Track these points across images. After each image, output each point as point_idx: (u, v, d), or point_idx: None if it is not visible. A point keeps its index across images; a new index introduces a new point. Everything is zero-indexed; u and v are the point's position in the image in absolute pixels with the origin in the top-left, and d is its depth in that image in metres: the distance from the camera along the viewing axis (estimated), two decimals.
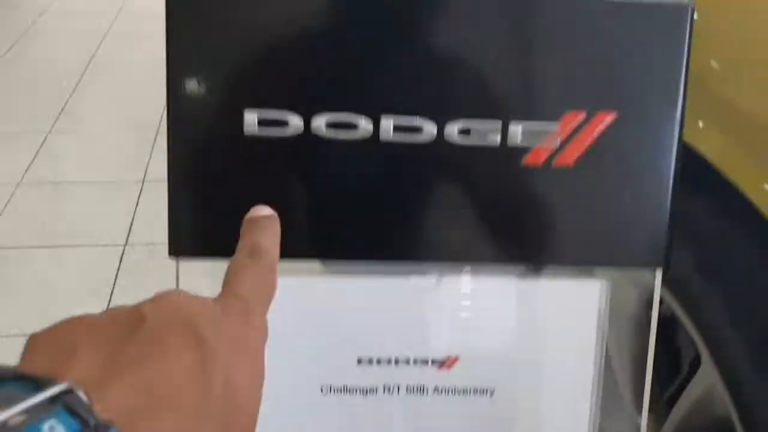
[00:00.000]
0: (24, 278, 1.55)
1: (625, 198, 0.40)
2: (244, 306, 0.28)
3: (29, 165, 1.96)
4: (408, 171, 0.40)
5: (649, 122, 0.39)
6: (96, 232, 1.71)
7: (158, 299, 0.26)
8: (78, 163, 2.02)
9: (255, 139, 0.38)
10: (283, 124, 0.38)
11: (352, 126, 0.38)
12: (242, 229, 0.33)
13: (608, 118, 0.39)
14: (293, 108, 0.38)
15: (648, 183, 0.40)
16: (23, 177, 1.91)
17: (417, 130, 0.38)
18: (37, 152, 2.03)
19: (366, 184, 0.40)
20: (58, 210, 1.81)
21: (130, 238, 1.70)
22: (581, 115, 0.38)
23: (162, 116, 2.11)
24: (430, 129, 0.38)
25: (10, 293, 1.51)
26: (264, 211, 0.34)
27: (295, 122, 0.38)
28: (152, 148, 2.05)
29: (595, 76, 0.39)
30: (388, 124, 0.38)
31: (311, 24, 0.38)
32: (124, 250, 1.66)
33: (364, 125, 0.38)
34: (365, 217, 0.40)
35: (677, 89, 0.39)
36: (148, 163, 1.98)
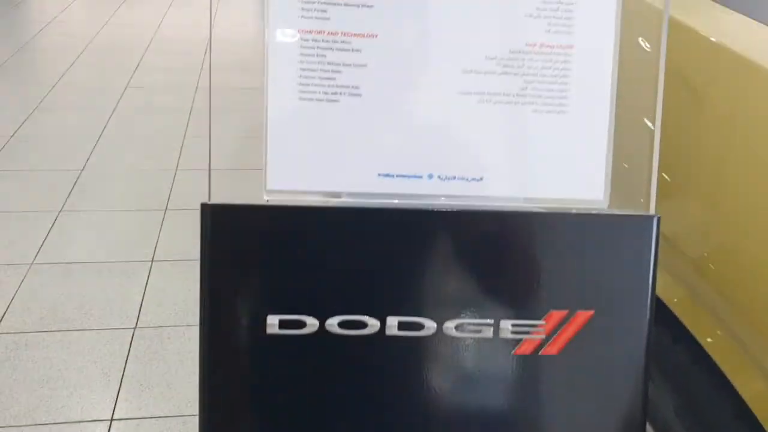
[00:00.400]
0: (34, 364, 1.59)
1: (603, 383, 0.45)
2: None
3: (41, 246, 2.02)
4: (411, 360, 0.45)
5: (624, 317, 0.45)
6: (106, 314, 1.76)
7: None
8: (89, 242, 2.07)
9: (276, 338, 0.44)
10: (302, 325, 0.44)
11: (361, 325, 0.44)
12: None
13: (587, 315, 0.44)
14: (310, 312, 0.43)
15: (624, 368, 0.45)
16: (35, 258, 1.97)
17: (419, 327, 0.44)
18: (49, 231, 2.09)
19: (374, 374, 0.45)
20: (69, 292, 1.86)
21: (139, 321, 1.74)
22: (563, 313, 0.44)
23: (170, 195, 2.22)
24: (430, 325, 0.44)
25: (20, 380, 1.55)
26: None
27: (312, 322, 0.44)
28: (160, 229, 2.11)
29: (575, 279, 0.45)
30: (393, 322, 0.44)
31: (324, 243, 0.44)
32: (133, 334, 1.70)
33: (372, 324, 0.44)
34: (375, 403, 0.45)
35: (646, 288, 0.44)
36: (157, 242, 2.04)
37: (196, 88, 3.20)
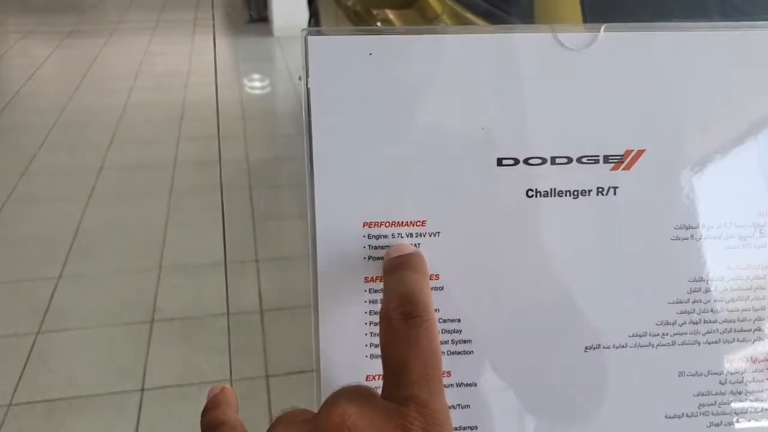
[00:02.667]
0: None
1: None
2: (427, 416, 0.25)
3: (18, 381, 1.85)
4: None
5: None
6: None
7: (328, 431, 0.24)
8: (72, 370, 1.90)
9: None
10: None
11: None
12: (385, 267, 0.31)
13: None
14: None
15: None
16: (12, 397, 1.79)
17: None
18: (27, 361, 1.91)
19: None
20: None
21: None
22: None
23: (156, 305, 2.05)
24: None
25: None
26: (408, 248, 0.32)
27: None
28: (148, 345, 1.94)
29: None
30: None
31: None
32: None
33: None
34: None
35: None
36: (146, 368, 1.87)
37: (174, 163, 3.04)
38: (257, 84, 4.12)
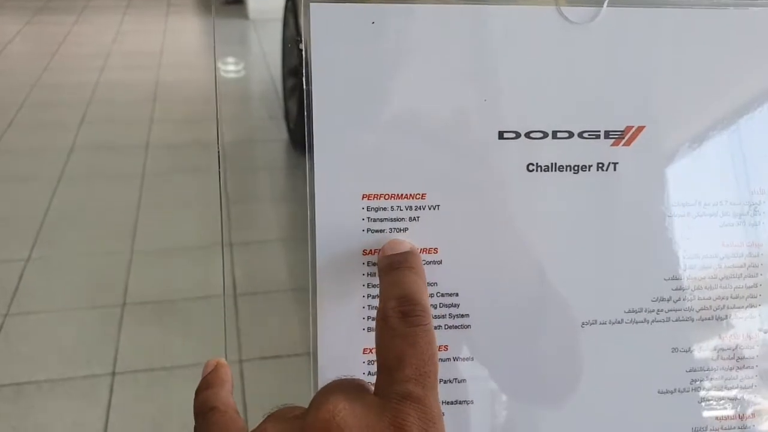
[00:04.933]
0: None
1: None
2: (420, 412, 0.25)
3: None
4: None
5: None
6: None
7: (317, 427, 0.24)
8: (41, 353, 1.87)
9: None
10: None
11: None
12: (381, 265, 0.32)
13: None
14: None
15: None
16: None
17: None
18: None
19: None
20: (20, 418, 1.66)
21: None
22: None
23: (127, 288, 2.01)
24: None
25: None
26: (404, 245, 0.32)
27: None
28: (119, 329, 1.92)
29: None
30: None
31: None
32: None
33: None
34: None
35: None
36: (117, 352, 1.85)
37: (147, 145, 2.99)
38: (232, 67, 4.07)
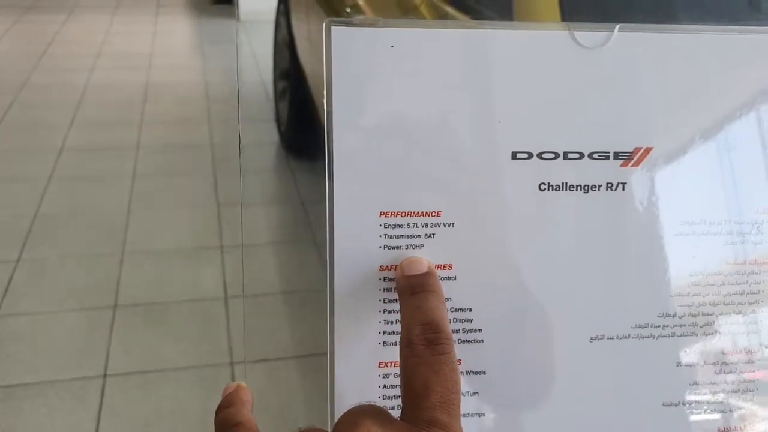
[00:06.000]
0: None
1: None
2: None
3: None
4: None
5: None
6: None
7: None
8: (30, 355, 1.86)
9: None
10: None
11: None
12: (402, 286, 0.32)
13: None
14: None
15: None
16: None
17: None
18: None
19: None
20: (10, 420, 1.65)
21: None
22: None
23: (118, 290, 1.99)
24: None
25: None
26: (422, 265, 0.32)
27: None
28: (110, 331, 1.91)
29: None
30: None
31: None
32: None
33: None
34: None
35: None
36: (108, 354, 1.84)
37: (137, 146, 2.98)
38: (223, 68, 4.06)
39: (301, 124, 2.70)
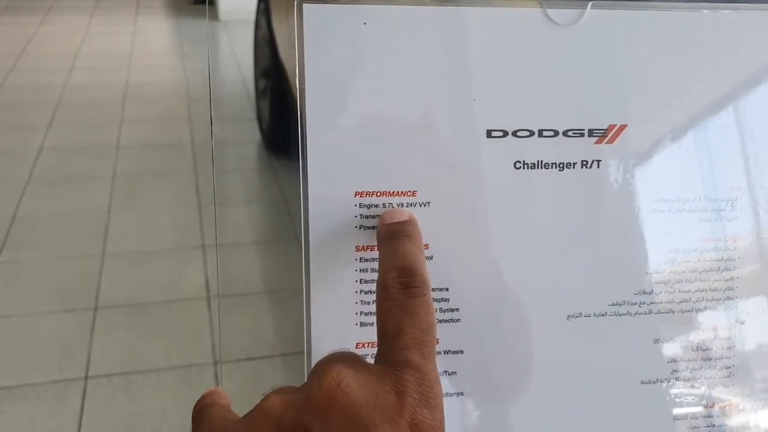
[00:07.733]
0: None
1: None
2: (419, 378, 0.26)
3: None
4: None
5: None
6: None
7: (321, 401, 0.25)
8: (11, 358, 1.84)
9: None
10: None
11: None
12: (380, 233, 0.32)
13: None
14: None
15: None
16: None
17: None
18: None
19: None
20: None
21: None
22: None
23: (99, 291, 1.97)
24: None
25: None
26: (403, 214, 0.32)
27: None
28: (92, 332, 1.89)
29: None
30: None
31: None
32: None
33: None
34: None
35: None
36: (89, 356, 1.82)
37: (117, 147, 2.96)
38: (203, 67, 4.04)
39: (283, 122, 2.69)
